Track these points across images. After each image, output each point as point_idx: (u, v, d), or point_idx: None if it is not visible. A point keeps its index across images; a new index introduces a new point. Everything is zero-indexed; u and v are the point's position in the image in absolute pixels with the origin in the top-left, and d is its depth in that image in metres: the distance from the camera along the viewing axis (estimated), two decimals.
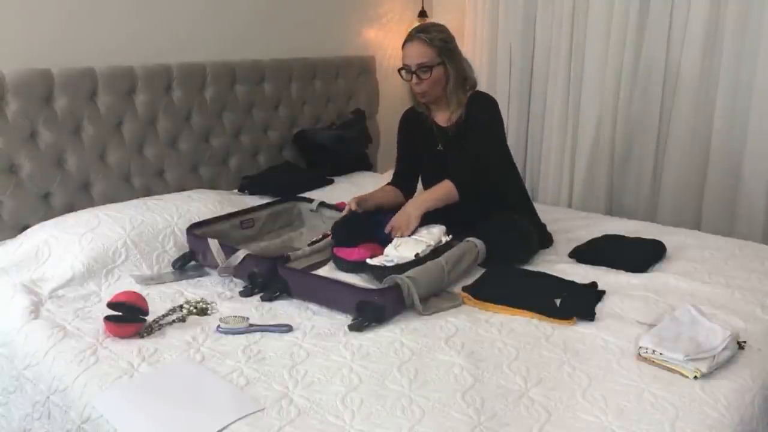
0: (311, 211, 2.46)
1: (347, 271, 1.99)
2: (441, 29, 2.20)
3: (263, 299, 1.85)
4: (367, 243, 2.08)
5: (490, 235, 2.05)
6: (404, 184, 2.41)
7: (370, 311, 1.67)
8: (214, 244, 2.02)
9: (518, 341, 1.60)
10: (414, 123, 2.35)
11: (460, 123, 2.22)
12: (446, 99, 2.22)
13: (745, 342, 1.55)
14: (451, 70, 2.17)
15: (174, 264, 2.07)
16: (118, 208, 2.19)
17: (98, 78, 2.36)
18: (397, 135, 2.44)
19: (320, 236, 2.22)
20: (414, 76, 2.15)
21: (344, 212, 2.22)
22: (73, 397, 1.45)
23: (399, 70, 2.22)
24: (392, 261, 1.90)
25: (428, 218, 2.12)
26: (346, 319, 1.71)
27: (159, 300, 1.85)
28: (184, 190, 2.57)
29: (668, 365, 1.45)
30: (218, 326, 1.67)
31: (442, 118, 2.28)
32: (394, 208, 2.18)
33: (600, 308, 1.76)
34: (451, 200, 2.14)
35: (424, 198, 2.15)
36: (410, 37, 2.18)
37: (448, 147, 2.26)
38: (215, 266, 2.00)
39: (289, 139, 3.09)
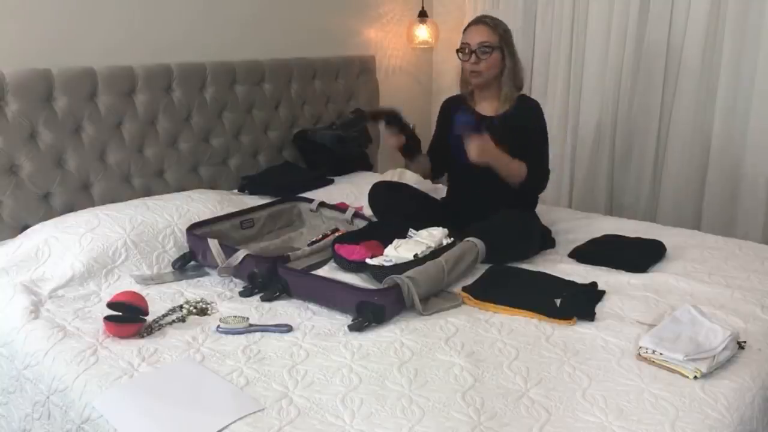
0: (311, 211, 2.46)
1: (347, 270, 1.99)
2: (503, 22, 2.32)
3: (263, 299, 1.85)
4: (368, 242, 2.08)
5: (494, 228, 2.07)
6: (433, 165, 2.49)
7: (370, 311, 1.67)
8: (214, 244, 2.02)
9: (518, 341, 1.60)
10: (453, 110, 2.40)
11: (508, 117, 2.28)
12: (497, 87, 2.30)
13: (745, 342, 1.55)
14: (508, 60, 2.28)
15: (174, 264, 2.07)
16: (118, 208, 2.19)
17: (98, 78, 2.36)
18: (437, 120, 2.50)
19: (320, 236, 2.22)
20: (473, 55, 2.22)
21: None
22: (73, 397, 1.45)
23: (457, 51, 2.30)
24: (391, 261, 1.90)
25: (436, 216, 2.19)
26: (346, 319, 1.71)
27: (159, 300, 1.84)
28: (184, 190, 2.57)
29: (668, 365, 1.45)
30: (218, 326, 1.67)
31: (488, 107, 2.34)
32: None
33: (600, 308, 1.76)
34: (513, 179, 2.20)
35: (504, 157, 2.17)
36: (475, 21, 2.30)
37: (493, 135, 2.27)
38: (215, 266, 2.00)
39: (289, 139, 3.09)
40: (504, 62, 2.28)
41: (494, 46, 2.24)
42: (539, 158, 2.28)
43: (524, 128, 2.26)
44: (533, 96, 3.50)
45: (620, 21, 3.13)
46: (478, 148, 2.10)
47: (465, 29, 2.30)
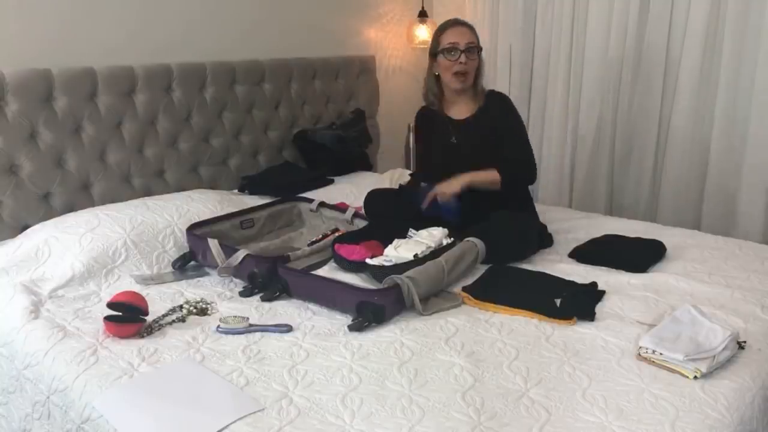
0: (311, 211, 2.46)
1: (347, 270, 1.99)
2: None
3: (263, 299, 1.85)
4: (368, 242, 2.08)
5: (492, 230, 2.07)
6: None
7: (370, 311, 1.67)
8: (214, 244, 2.02)
9: (518, 341, 1.60)
10: (428, 119, 2.43)
11: (482, 113, 2.29)
12: (473, 89, 2.33)
13: (745, 342, 1.55)
14: (482, 63, 2.34)
15: (174, 264, 2.07)
16: (118, 208, 2.19)
17: (98, 78, 2.36)
18: (416, 134, 2.51)
19: (320, 236, 2.22)
20: (462, 54, 2.23)
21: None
22: (73, 397, 1.45)
23: (437, 53, 2.29)
24: (391, 261, 1.90)
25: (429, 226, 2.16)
26: (346, 319, 1.71)
27: (159, 300, 1.85)
28: (184, 190, 2.57)
29: (668, 365, 1.45)
30: (218, 326, 1.67)
31: (460, 110, 2.34)
32: None
33: (600, 308, 1.76)
34: (493, 187, 2.23)
35: (471, 175, 2.21)
36: (455, 23, 2.31)
37: (464, 139, 2.30)
38: (215, 266, 2.00)
39: (289, 139, 3.09)
40: (480, 66, 2.32)
41: (478, 47, 2.28)
42: (521, 148, 2.29)
43: (499, 120, 2.27)
44: (534, 97, 3.54)
45: (620, 21, 3.13)
46: (445, 187, 2.17)
47: (444, 31, 2.30)
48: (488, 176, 2.23)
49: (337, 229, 2.28)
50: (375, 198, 2.39)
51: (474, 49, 2.25)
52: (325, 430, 1.26)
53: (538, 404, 1.34)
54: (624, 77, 3.17)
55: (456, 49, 2.23)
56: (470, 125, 2.30)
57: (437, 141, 2.36)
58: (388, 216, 2.30)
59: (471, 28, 2.31)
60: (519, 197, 2.39)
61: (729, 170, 2.93)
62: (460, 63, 2.23)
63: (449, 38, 2.26)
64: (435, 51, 2.30)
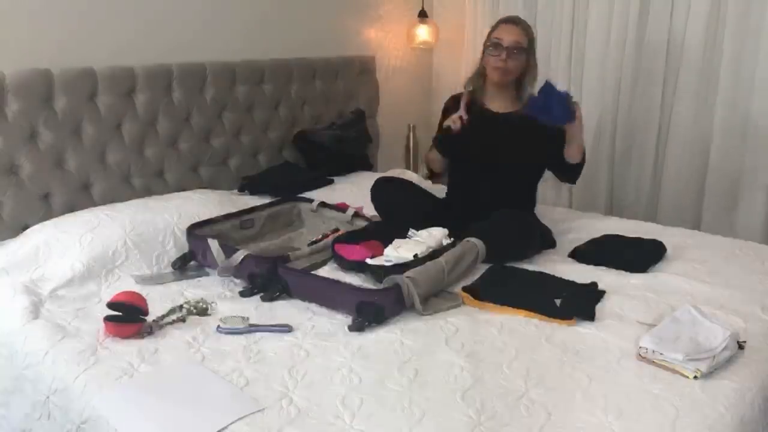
0: (311, 211, 2.46)
1: (347, 270, 1.99)
2: (531, 28, 2.37)
3: (263, 299, 1.85)
4: (368, 242, 2.08)
5: (494, 229, 2.07)
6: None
7: (370, 312, 1.67)
8: (214, 244, 2.02)
9: (518, 341, 1.60)
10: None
11: (523, 116, 2.28)
12: (514, 88, 2.35)
13: (745, 342, 1.55)
14: (532, 64, 2.34)
15: (174, 264, 2.07)
16: (118, 208, 2.19)
17: (98, 78, 2.36)
18: (442, 115, 2.47)
19: (320, 236, 2.22)
20: (504, 52, 2.24)
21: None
22: (73, 397, 1.45)
23: (486, 45, 2.32)
24: (391, 261, 1.90)
25: (438, 212, 2.22)
26: (346, 319, 1.71)
27: (159, 300, 1.84)
28: (184, 190, 2.57)
29: (668, 365, 1.45)
30: (218, 326, 1.67)
31: (499, 105, 2.36)
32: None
33: (600, 308, 1.76)
34: (575, 151, 2.26)
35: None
36: (510, 20, 2.33)
37: (503, 133, 2.32)
38: (215, 266, 2.00)
39: (289, 139, 3.09)
40: (528, 65, 2.32)
41: (525, 48, 2.27)
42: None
43: (544, 125, 2.27)
44: None
45: (620, 21, 3.13)
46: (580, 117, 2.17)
47: (497, 25, 2.32)
48: (582, 145, 2.27)
49: (337, 229, 2.28)
50: (382, 186, 2.40)
51: (520, 50, 2.25)
52: (325, 430, 1.26)
53: (538, 404, 1.34)
54: (624, 77, 3.17)
55: (499, 45, 2.25)
56: (512, 119, 2.31)
57: (472, 131, 2.32)
58: (394, 204, 2.32)
59: (524, 27, 2.30)
60: (525, 197, 2.39)
61: (729, 170, 2.93)
62: (501, 60, 2.24)
63: (497, 33, 2.28)
64: (485, 43, 2.33)
